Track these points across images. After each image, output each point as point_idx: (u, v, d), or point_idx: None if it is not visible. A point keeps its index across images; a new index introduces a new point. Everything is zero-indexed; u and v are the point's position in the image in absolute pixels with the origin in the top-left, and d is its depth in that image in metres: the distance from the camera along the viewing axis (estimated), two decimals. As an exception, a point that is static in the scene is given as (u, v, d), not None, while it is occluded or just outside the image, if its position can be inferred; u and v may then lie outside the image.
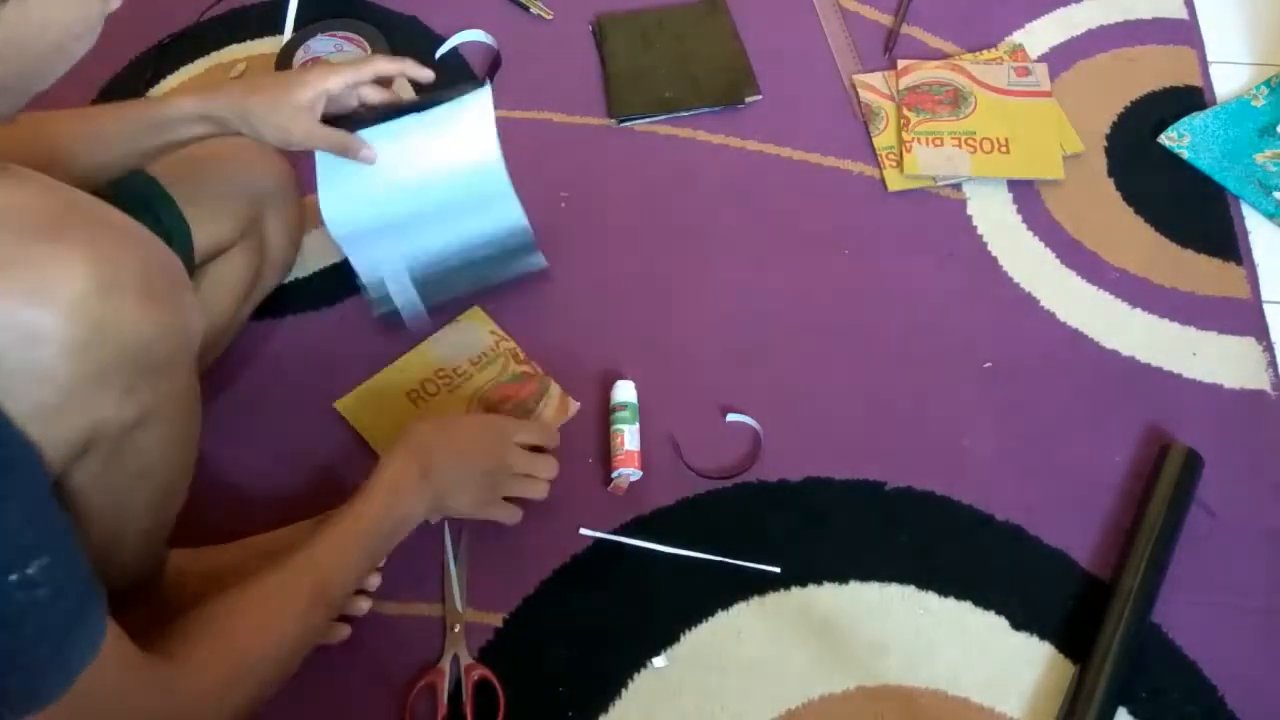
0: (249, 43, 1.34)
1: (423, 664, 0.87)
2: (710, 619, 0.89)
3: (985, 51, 1.25)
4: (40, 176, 0.58)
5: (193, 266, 0.91)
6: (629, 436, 0.95)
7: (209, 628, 0.68)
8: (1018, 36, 1.27)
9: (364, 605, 0.88)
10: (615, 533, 0.93)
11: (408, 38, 1.32)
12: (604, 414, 1.00)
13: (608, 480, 0.95)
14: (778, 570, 0.90)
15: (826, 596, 0.90)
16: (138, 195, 0.86)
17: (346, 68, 0.87)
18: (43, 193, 0.57)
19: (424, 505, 0.84)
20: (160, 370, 0.62)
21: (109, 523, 0.70)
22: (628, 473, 0.94)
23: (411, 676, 0.86)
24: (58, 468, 0.61)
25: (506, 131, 1.21)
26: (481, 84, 0.97)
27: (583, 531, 0.92)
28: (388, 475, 0.82)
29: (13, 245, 0.54)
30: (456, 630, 0.88)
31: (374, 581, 0.89)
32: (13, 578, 0.52)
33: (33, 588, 0.53)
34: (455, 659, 0.87)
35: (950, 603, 0.90)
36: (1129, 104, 1.20)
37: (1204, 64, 1.24)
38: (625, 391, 0.98)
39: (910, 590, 0.90)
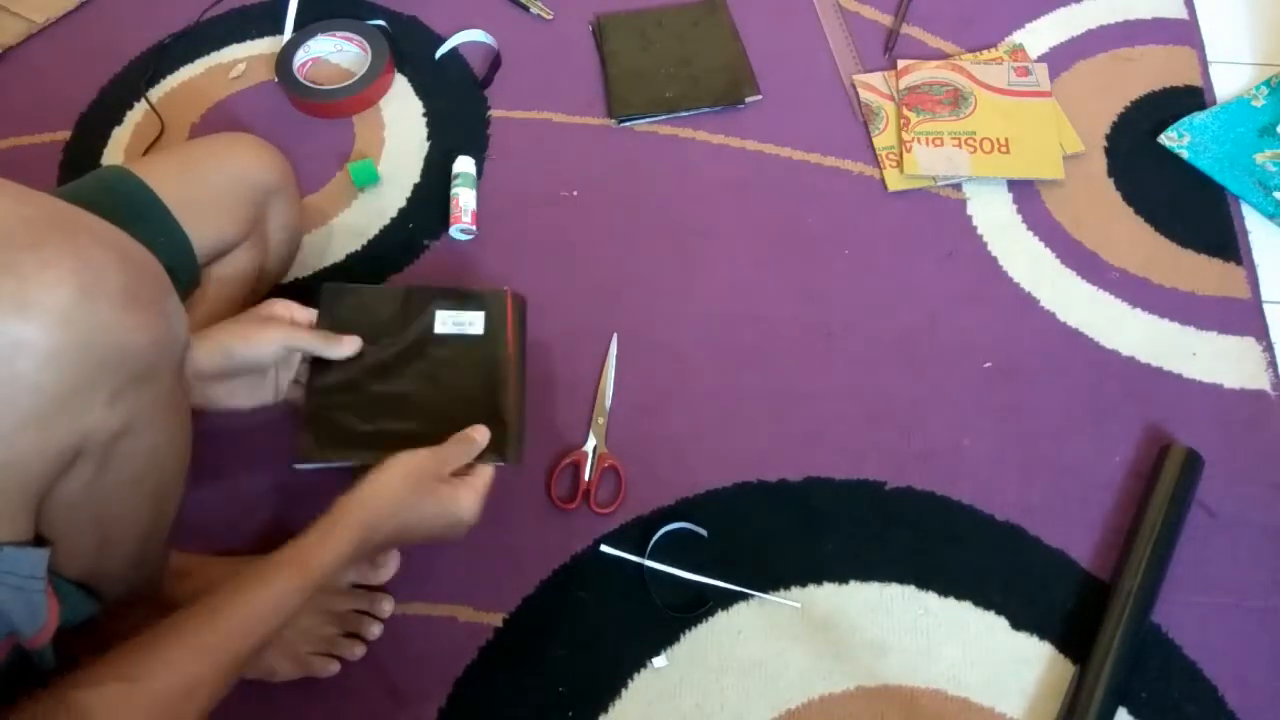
0: (249, 43, 1.34)
1: (567, 448, 0.99)
2: (710, 619, 0.90)
3: (985, 51, 1.25)
4: (13, 184, 0.57)
5: (196, 271, 0.91)
6: (465, 197, 1.13)
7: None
8: (1018, 36, 1.27)
9: (358, 650, 0.88)
10: (619, 535, 0.94)
11: (408, 38, 1.32)
12: (590, 411, 1.00)
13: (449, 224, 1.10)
14: (798, 605, 0.90)
15: (826, 596, 0.90)
16: (130, 205, 0.86)
17: (296, 332, 0.87)
18: (19, 200, 0.56)
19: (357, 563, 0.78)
20: (146, 377, 0.61)
21: (102, 531, 0.69)
22: (462, 227, 1.11)
23: (558, 456, 0.98)
24: (47, 479, 0.60)
25: (507, 131, 1.23)
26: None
27: (604, 549, 0.92)
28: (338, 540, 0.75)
29: None
30: (600, 423, 0.99)
31: (375, 631, 0.89)
32: None
33: None
34: (594, 447, 0.97)
35: (950, 603, 0.90)
36: (1129, 104, 1.20)
37: (1204, 64, 1.24)
38: (464, 164, 1.16)
39: (910, 590, 0.90)
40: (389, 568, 0.90)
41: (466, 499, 0.81)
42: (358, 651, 0.88)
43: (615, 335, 1.05)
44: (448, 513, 0.80)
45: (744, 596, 0.90)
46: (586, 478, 0.96)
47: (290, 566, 0.72)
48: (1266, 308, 1.05)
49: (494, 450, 0.85)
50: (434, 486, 0.79)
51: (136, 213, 0.86)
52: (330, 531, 0.75)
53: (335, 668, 0.87)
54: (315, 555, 0.73)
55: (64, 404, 0.56)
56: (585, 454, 0.97)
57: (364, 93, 1.24)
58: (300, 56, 1.29)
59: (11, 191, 0.57)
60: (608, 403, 1.01)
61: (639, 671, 0.87)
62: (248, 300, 1.01)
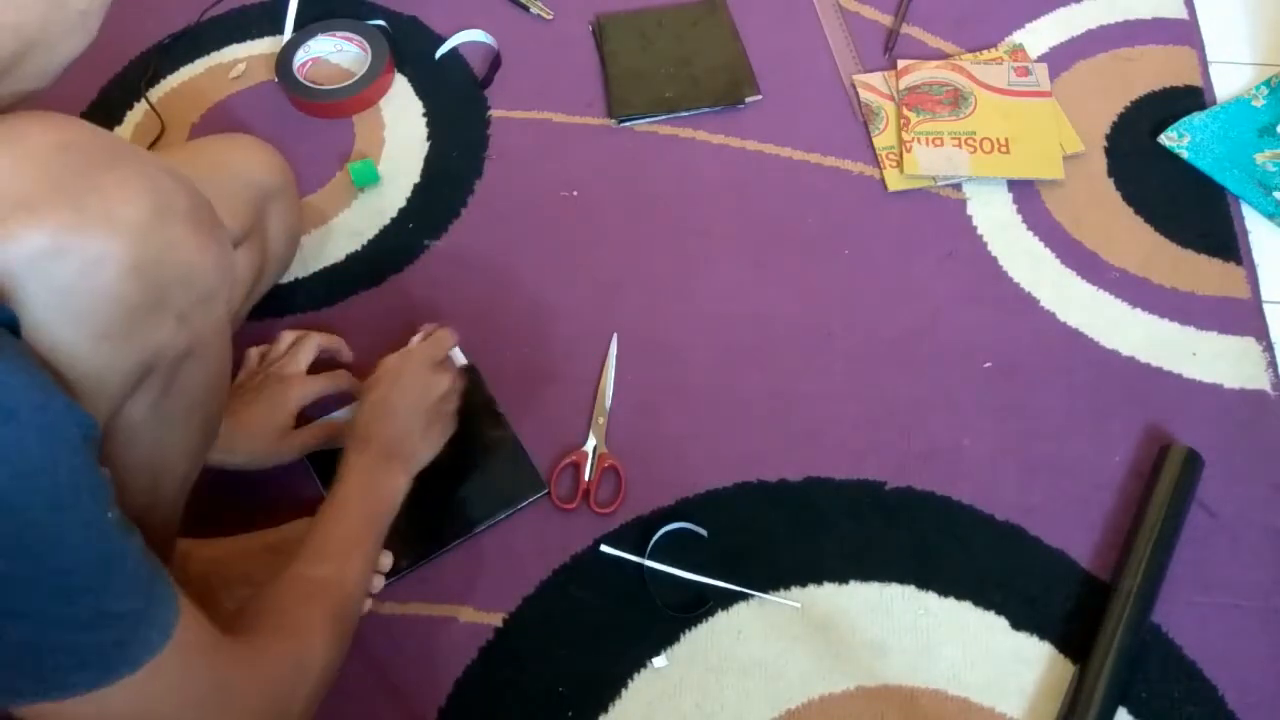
0: (249, 43, 1.34)
1: (567, 448, 0.98)
2: (710, 619, 0.90)
3: (985, 51, 1.25)
4: (79, 121, 0.60)
5: None
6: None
7: (270, 610, 0.70)
8: (1018, 36, 1.27)
9: (386, 561, 0.88)
10: (619, 535, 0.94)
11: (408, 38, 1.32)
12: (590, 411, 1.00)
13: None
14: (798, 605, 0.90)
15: (826, 596, 0.90)
16: None
17: (310, 383, 0.97)
18: (92, 130, 0.60)
19: (401, 479, 0.85)
20: (208, 300, 0.65)
21: (152, 468, 0.71)
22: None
23: (558, 456, 0.98)
24: (118, 399, 0.63)
25: (507, 131, 1.23)
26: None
27: (603, 549, 0.92)
28: (354, 480, 0.82)
29: (77, 175, 0.56)
30: (600, 423, 0.99)
31: (377, 584, 0.89)
32: (110, 515, 0.53)
33: (124, 535, 0.54)
34: (594, 447, 0.97)
35: (950, 603, 0.90)
36: (1129, 104, 1.20)
37: (1204, 64, 1.24)
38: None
39: (910, 590, 0.90)
40: (375, 581, 0.90)
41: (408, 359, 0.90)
42: (377, 585, 0.89)
43: (615, 335, 1.05)
44: (406, 376, 0.89)
45: (744, 596, 0.90)
46: (587, 478, 0.96)
47: (330, 509, 0.79)
48: (1266, 308, 1.05)
49: (528, 485, 0.95)
50: (379, 376, 0.89)
51: None
52: (340, 469, 0.83)
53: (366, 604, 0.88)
54: (342, 488, 0.81)
55: (141, 318, 0.59)
56: (585, 454, 0.97)
57: (364, 93, 1.24)
58: (300, 56, 1.29)
59: (82, 123, 0.60)
60: (608, 403, 1.01)
61: (639, 671, 0.87)
62: (245, 304, 1.01)
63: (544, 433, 0.99)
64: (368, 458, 0.84)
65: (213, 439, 0.78)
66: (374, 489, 0.82)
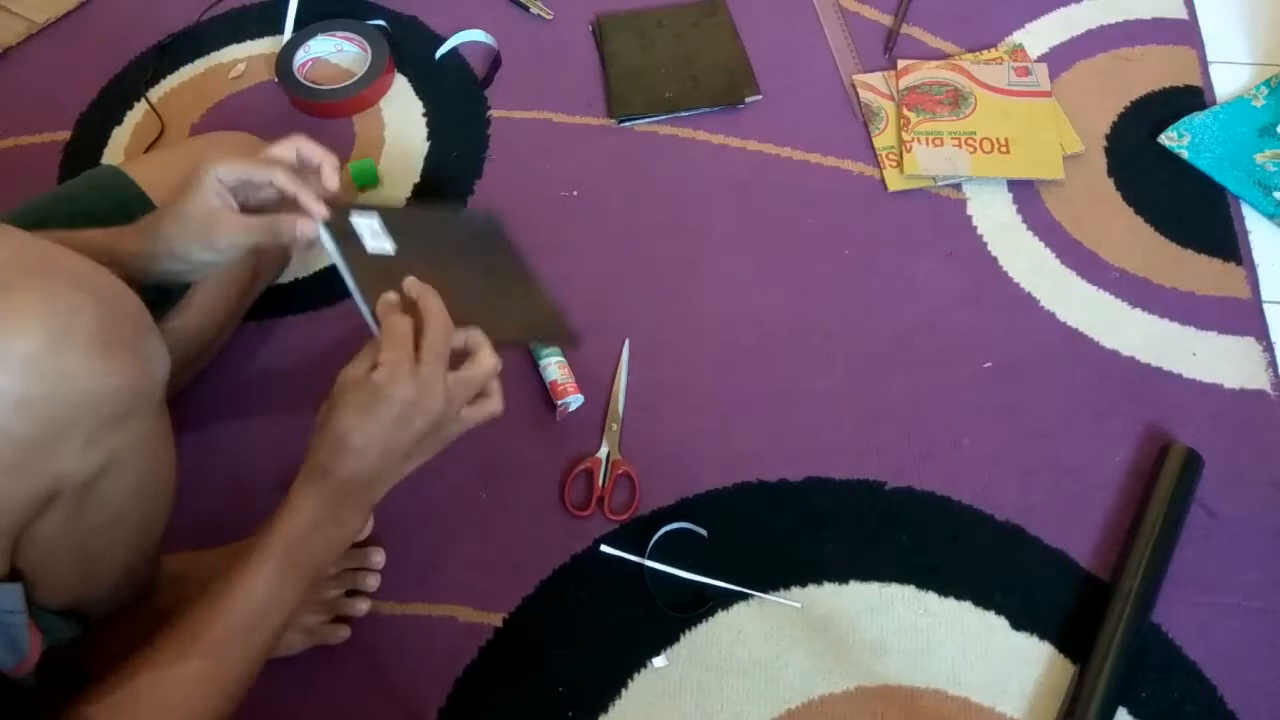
0: (249, 43, 1.34)
1: (581, 454, 0.98)
2: (710, 619, 0.90)
3: (985, 51, 1.25)
4: None
5: None
6: (556, 369, 1.01)
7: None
8: (1018, 36, 1.27)
9: (362, 607, 0.89)
10: (619, 535, 0.94)
11: (408, 38, 1.32)
12: (603, 417, 1.00)
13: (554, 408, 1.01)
14: (798, 605, 0.90)
15: (826, 596, 0.90)
16: (119, 203, 0.85)
17: (241, 161, 0.75)
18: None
19: (356, 523, 0.73)
20: (122, 419, 0.60)
21: (85, 565, 0.69)
22: (570, 400, 1.00)
23: (571, 463, 0.97)
24: (20, 522, 0.59)
25: (507, 131, 1.23)
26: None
27: (604, 549, 0.92)
28: (298, 520, 0.69)
29: None
30: (614, 429, 0.98)
31: (372, 583, 0.89)
32: None
33: None
34: (607, 454, 0.97)
35: (950, 603, 0.90)
36: (1129, 104, 1.20)
37: (1204, 64, 1.24)
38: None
39: (910, 590, 0.90)
40: (370, 580, 0.90)
41: (400, 381, 0.69)
42: (361, 608, 0.89)
43: (627, 341, 1.05)
44: (395, 406, 0.69)
45: (744, 596, 0.90)
46: (600, 485, 0.96)
47: (264, 551, 0.68)
48: (1266, 308, 1.05)
49: (547, 333, 0.90)
50: (360, 391, 0.69)
51: (125, 211, 0.85)
52: (286, 501, 0.69)
53: (346, 632, 0.88)
54: (280, 530, 0.68)
55: (35, 451, 0.56)
56: (599, 460, 0.97)
57: (364, 93, 1.24)
58: (300, 56, 1.29)
59: None
60: (620, 409, 1.00)
61: (639, 671, 0.87)
62: (241, 302, 1.01)
63: (554, 439, 0.99)
64: (324, 493, 0.70)
65: (161, 523, 0.74)
66: (314, 538, 0.69)
